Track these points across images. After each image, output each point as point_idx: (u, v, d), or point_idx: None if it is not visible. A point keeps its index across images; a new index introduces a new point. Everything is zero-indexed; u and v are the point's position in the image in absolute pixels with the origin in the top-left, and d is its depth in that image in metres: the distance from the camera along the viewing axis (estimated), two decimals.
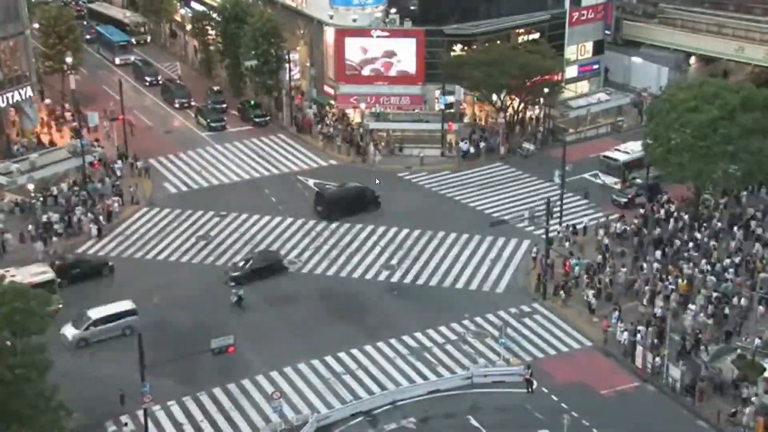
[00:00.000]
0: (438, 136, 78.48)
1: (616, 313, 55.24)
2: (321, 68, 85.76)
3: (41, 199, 68.13)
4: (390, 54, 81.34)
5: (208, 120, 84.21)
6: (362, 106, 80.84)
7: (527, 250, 63.55)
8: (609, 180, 71.23)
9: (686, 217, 65.49)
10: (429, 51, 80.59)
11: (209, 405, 49.11)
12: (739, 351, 51.35)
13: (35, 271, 56.87)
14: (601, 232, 64.30)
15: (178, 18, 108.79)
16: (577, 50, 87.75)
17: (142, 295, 57.82)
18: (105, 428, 46.78)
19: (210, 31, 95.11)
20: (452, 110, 79.45)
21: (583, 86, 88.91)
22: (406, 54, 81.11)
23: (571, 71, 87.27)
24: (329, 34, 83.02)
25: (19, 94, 75.61)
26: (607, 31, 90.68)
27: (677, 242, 62.18)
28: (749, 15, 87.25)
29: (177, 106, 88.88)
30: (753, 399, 47.66)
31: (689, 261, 59.91)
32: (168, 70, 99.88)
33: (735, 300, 55.86)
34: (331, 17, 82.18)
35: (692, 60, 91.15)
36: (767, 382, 48.55)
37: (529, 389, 49.93)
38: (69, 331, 53.41)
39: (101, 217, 66.56)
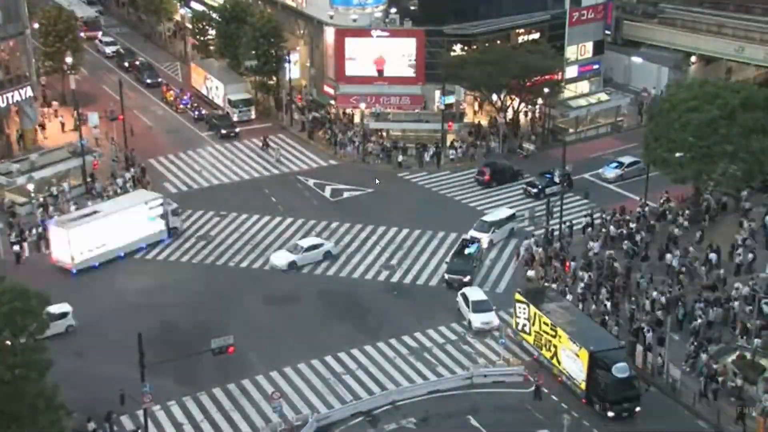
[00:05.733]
0: (438, 136, 78.63)
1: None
2: (321, 68, 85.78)
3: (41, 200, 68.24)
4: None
5: None
6: (362, 106, 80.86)
7: (526, 250, 63.43)
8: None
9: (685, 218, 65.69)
10: (429, 51, 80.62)
11: (209, 405, 49.11)
12: (738, 351, 51.40)
13: None
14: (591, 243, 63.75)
15: (178, 18, 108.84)
16: (577, 50, 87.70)
17: (143, 294, 58.06)
18: (105, 428, 46.78)
19: (210, 31, 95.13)
20: (452, 110, 79.56)
21: (583, 86, 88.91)
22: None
23: (571, 71, 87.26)
24: (329, 34, 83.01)
25: (19, 94, 75.61)
26: (607, 31, 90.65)
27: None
28: (749, 15, 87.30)
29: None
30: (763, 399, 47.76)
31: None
32: (168, 70, 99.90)
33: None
34: (331, 17, 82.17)
35: (692, 60, 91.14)
36: (767, 382, 48.68)
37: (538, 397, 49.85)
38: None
39: None
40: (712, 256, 60.26)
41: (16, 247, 62.63)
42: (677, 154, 61.22)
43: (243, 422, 47.91)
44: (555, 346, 50.66)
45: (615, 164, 75.26)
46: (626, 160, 75.47)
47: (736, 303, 55.42)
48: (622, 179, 74.02)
